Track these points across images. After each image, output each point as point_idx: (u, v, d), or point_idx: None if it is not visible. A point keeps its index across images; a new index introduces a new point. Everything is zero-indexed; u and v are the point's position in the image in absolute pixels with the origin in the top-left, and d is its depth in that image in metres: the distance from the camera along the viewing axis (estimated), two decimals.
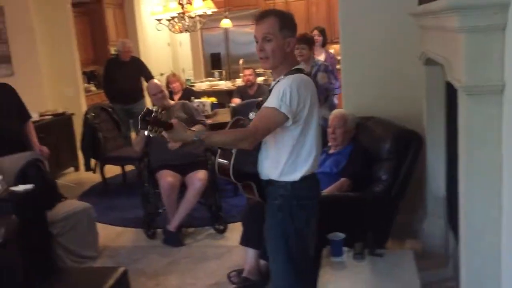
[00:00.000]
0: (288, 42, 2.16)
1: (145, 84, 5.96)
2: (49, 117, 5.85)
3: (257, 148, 2.24)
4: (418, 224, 3.37)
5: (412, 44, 3.26)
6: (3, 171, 3.47)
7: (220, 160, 2.32)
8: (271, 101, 2.11)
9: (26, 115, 4.11)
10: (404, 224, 3.27)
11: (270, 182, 2.25)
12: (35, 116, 5.37)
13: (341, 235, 2.66)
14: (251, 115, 2.25)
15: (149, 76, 6.32)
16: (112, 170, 5.56)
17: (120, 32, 8.49)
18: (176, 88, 5.81)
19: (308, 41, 4.31)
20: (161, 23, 6.24)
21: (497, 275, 1.91)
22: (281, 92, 2.08)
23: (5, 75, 5.42)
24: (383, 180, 3.09)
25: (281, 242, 2.25)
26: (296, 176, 2.20)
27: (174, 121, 2.10)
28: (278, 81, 2.17)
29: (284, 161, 2.19)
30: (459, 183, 2.08)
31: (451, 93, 2.64)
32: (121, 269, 2.75)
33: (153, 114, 2.02)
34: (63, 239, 3.49)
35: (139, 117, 2.02)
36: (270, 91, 2.21)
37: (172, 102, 4.36)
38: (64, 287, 2.64)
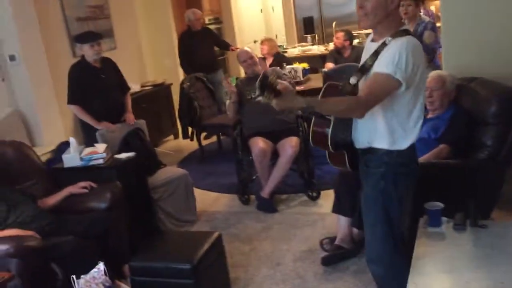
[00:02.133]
0: None
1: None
2: (150, 87, 6.11)
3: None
4: None
5: None
6: (109, 140, 3.72)
7: (316, 128, 2.26)
8: (384, 67, 1.98)
9: (126, 87, 4.35)
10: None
11: (371, 150, 2.17)
12: (137, 87, 5.68)
13: (439, 205, 2.51)
14: (352, 79, 2.13)
15: (223, 45, 6.34)
16: (209, 138, 5.74)
17: (214, 2, 8.59)
18: (263, 50, 5.78)
19: None
20: None
21: None
22: (396, 57, 1.96)
23: (109, 49, 5.73)
24: (488, 145, 2.85)
25: (382, 210, 2.19)
26: (405, 143, 2.12)
27: (283, 87, 2.07)
28: (385, 43, 2.03)
29: (393, 128, 2.10)
30: None
31: None
32: (216, 234, 2.85)
33: (268, 80, 1.98)
34: (163, 204, 3.68)
35: (257, 83, 1.96)
36: (376, 53, 2.06)
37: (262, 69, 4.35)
38: (164, 248, 2.78)
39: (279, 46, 7.77)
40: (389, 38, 2.02)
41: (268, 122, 3.98)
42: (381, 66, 2.00)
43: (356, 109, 2.01)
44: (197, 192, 4.16)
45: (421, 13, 4.23)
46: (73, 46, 5.34)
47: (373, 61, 2.05)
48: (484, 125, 2.94)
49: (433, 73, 3.30)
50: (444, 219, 2.54)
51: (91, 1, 5.66)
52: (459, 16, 3.35)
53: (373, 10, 2.02)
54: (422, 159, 2.82)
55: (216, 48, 6.51)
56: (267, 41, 6.06)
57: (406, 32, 2.04)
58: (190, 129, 5.57)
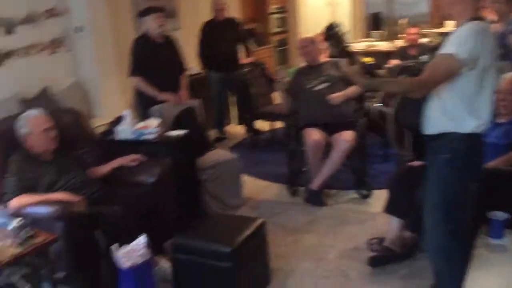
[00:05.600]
0: None
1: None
2: None
3: (421, 99, 2.16)
4: None
5: None
6: (163, 116, 3.72)
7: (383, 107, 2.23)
8: (447, 47, 2.04)
9: (184, 67, 4.35)
10: None
11: (439, 136, 2.16)
12: (197, 69, 5.67)
13: (504, 215, 2.31)
14: (423, 57, 2.14)
15: (246, 41, 5.76)
16: (262, 126, 5.66)
17: None
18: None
19: None
20: None
21: None
22: (459, 38, 2.02)
23: (172, 29, 5.76)
24: None
25: (444, 198, 2.17)
26: (471, 126, 2.09)
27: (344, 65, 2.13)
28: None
29: (459, 110, 2.09)
30: None
31: None
32: (259, 220, 2.78)
33: (335, 29, 2.03)
34: (210, 186, 3.64)
35: (325, 30, 1.98)
36: (447, 37, 2.11)
37: (324, 59, 4.21)
38: (207, 229, 2.73)
39: (346, 43, 7.58)
40: (462, 24, 2.07)
41: (324, 114, 3.85)
42: (445, 47, 2.05)
43: (417, 88, 2.11)
44: (246, 178, 4.10)
45: None
46: (136, 23, 5.40)
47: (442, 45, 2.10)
48: None
49: (508, 76, 3.06)
50: (507, 231, 2.35)
51: None
52: None
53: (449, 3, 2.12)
54: (490, 164, 2.61)
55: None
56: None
57: (477, 19, 2.07)
58: (244, 115, 5.51)
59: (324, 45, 5.23)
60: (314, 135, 3.75)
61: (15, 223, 2.37)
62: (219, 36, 5.40)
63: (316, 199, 3.81)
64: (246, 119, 5.54)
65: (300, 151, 3.99)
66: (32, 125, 2.85)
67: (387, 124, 3.01)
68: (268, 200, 4.00)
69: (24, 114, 2.93)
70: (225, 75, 5.48)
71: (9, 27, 4.20)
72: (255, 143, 5.45)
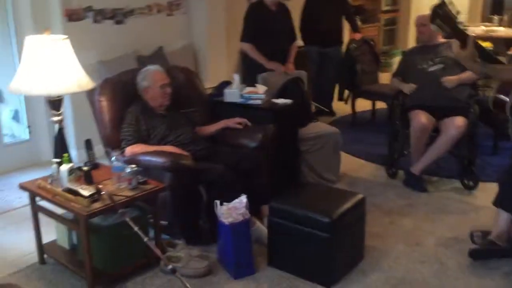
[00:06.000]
0: None
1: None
2: None
3: None
4: None
5: None
6: (269, 83, 3.76)
7: (499, 95, 2.06)
8: None
9: (294, 36, 4.34)
10: None
11: None
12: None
13: None
14: None
15: (353, 16, 5.57)
16: (362, 105, 5.54)
17: None
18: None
19: None
20: None
21: None
22: None
23: None
24: None
25: None
26: None
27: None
28: None
29: None
30: None
31: None
32: (360, 195, 2.74)
33: (445, 7, 1.85)
34: (309, 157, 3.65)
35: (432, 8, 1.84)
36: None
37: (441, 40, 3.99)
38: (306, 197, 2.75)
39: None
40: None
41: (435, 96, 3.67)
42: None
43: None
44: (343, 155, 4.04)
45: None
46: None
47: None
48: None
49: None
50: None
51: None
52: None
53: None
54: None
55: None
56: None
57: None
58: (346, 92, 5.41)
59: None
60: (422, 118, 3.60)
61: (129, 169, 2.55)
62: (324, 9, 5.22)
63: (417, 183, 3.68)
64: (347, 96, 5.43)
65: (403, 132, 3.86)
66: (152, 79, 3.01)
67: (502, 115, 2.82)
68: (364, 179, 3.93)
69: (145, 68, 3.10)
70: (326, 49, 5.34)
71: None
72: (355, 120, 5.35)
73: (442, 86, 3.68)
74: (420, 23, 3.87)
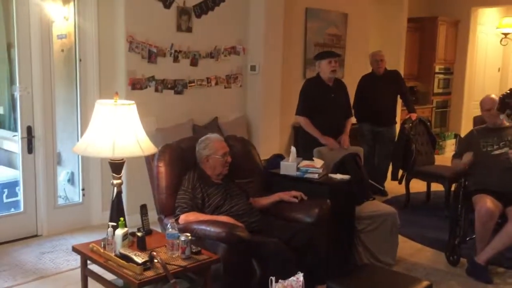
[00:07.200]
0: None
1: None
2: None
3: None
4: None
5: None
6: (324, 158, 3.69)
7: None
8: None
9: (350, 111, 4.34)
10: None
11: None
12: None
13: None
14: None
15: (407, 95, 5.57)
16: (416, 186, 5.36)
17: (449, 52, 8.19)
18: None
19: None
20: (507, 38, 5.58)
21: None
22: None
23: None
24: None
25: None
26: None
27: None
28: None
29: None
30: None
31: None
32: (426, 282, 2.54)
33: None
34: (365, 237, 3.48)
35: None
36: None
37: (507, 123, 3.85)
38: (365, 281, 2.57)
39: None
40: None
41: (502, 181, 3.49)
42: None
43: None
44: (398, 238, 3.84)
45: None
46: (306, 67, 5.58)
47: None
48: None
49: None
50: None
51: (332, 30, 5.87)
52: None
53: None
54: None
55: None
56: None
57: None
58: (400, 171, 5.26)
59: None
60: (487, 203, 3.40)
61: (184, 237, 2.47)
62: (379, 89, 5.29)
63: (481, 274, 3.41)
64: (401, 175, 5.27)
65: (466, 218, 3.65)
66: (214, 148, 3.00)
67: None
68: (423, 265, 3.69)
69: (205, 137, 3.10)
70: (379, 128, 5.38)
71: (195, 60, 4.59)
72: (408, 202, 5.15)
73: (508, 171, 3.50)
74: (485, 109, 3.77)
